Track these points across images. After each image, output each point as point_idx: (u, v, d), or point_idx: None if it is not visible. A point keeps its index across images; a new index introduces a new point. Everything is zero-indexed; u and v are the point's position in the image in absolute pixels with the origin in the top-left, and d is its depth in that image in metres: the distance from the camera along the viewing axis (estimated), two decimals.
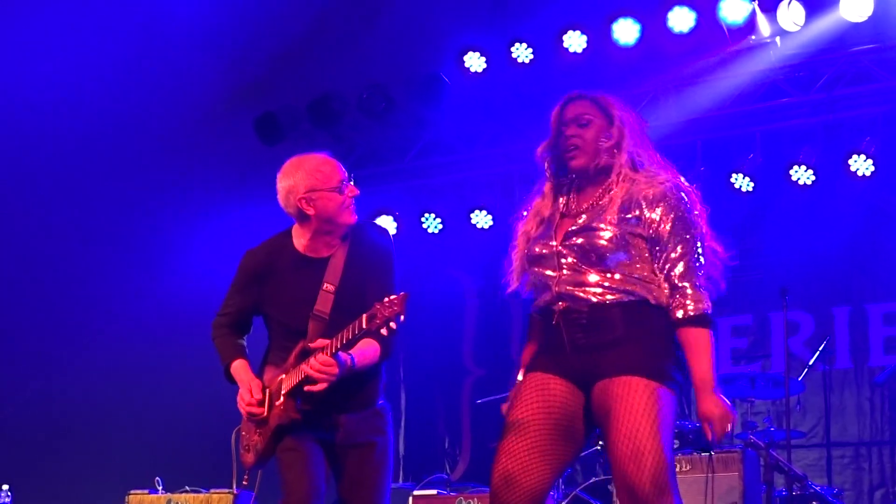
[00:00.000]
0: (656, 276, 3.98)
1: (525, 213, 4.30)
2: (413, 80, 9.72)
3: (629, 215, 3.99)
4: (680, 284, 3.94)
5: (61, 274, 9.46)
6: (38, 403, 9.43)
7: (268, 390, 4.72)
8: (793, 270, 8.98)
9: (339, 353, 4.47)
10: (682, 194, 4.08)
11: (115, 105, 9.19)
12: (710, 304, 3.96)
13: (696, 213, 4.07)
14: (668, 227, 3.98)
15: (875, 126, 8.64)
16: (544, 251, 4.08)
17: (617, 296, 3.93)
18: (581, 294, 3.97)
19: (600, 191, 4.09)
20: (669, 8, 8.54)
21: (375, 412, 4.81)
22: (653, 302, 3.95)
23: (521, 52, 9.13)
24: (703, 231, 4.08)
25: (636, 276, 3.96)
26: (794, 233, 9.19)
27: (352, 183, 4.81)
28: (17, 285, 9.40)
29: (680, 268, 3.95)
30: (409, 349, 10.19)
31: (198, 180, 9.96)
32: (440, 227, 10.07)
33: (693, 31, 8.55)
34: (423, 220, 10.07)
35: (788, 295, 7.45)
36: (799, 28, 8.34)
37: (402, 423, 10.43)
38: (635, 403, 3.82)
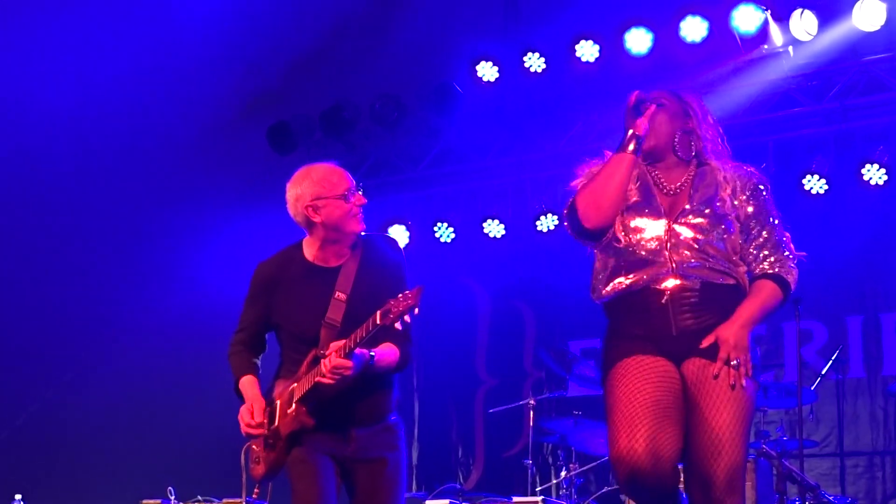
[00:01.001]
0: (742, 262, 4.09)
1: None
2: (425, 89, 9.73)
3: (726, 198, 4.10)
4: (772, 256, 4.10)
5: (73, 284, 9.49)
6: (50, 413, 9.47)
7: (278, 402, 4.74)
8: (806, 280, 8.81)
9: (357, 349, 4.46)
10: (765, 185, 4.23)
11: (129, 114, 9.23)
12: (795, 279, 4.14)
13: (771, 195, 4.23)
14: (756, 212, 4.13)
15: (888, 135, 8.63)
16: (649, 224, 4.08)
17: (724, 278, 4.01)
18: (694, 273, 3.99)
19: (687, 175, 4.18)
20: (682, 17, 8.54)
21: (387, 427, 4.80)
22: (744, 287, 4.07)
23: (534, 62, 9.14)
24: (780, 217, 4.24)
25: (733, 258, 4.06)
26: (806, 242, 9.03)
27: (360, 192, 4.83)
28: (30, 296, 9.44)
29: (770, 246, 4.12)
30: (422, 358, 10.19)
31: (211, 189, 9.99)
32: (452, 236, 10.07)
33: (705, 40, 8.55)
34: (435, 229, 10.07)
35: (802, 304, 7.43)
36: (811, 37, 8.33)
37: (416, 433, 10.42)
38: (723, 396, 3.87)
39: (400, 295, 4.34)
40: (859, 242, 8.94)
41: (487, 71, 9.37)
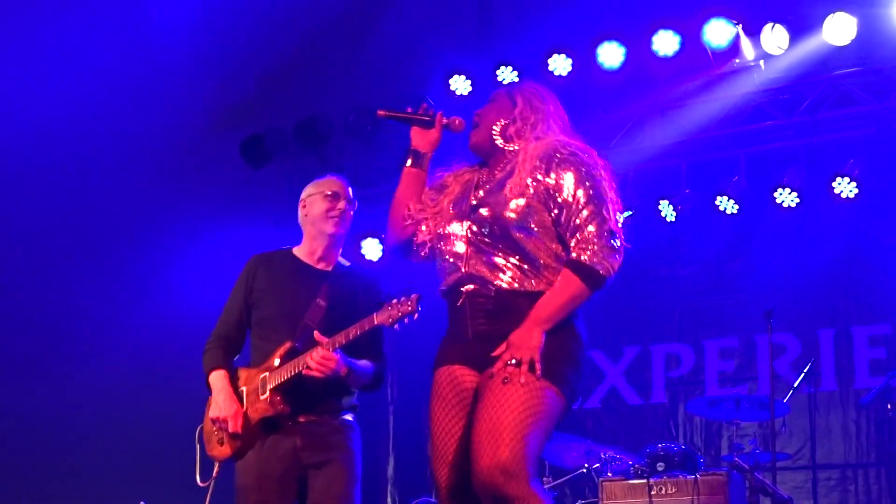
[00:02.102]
0: (560, 264, 3.84)
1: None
2: (399, 102, 9.71)
3: (531, 180, 3.87)
4: (584, 241, 3.78)
5: (44, 296, 9.44)
6: (23, 426, 9.40)
7: (244, 388, 4.96)
8: (778, 293, 9.00)
9: (340, 352, 4.69)
10: (586, 156, 3.93)
11: (101, 128, 9.20)
12: (609, 265, 3.79)
13: (602, 174, 3.91)
14: (573, 188, 3.84)
15: (859, 149, 8.67)
16: (452, 228, 4.01)
17: (525, 284, 3.82)
18: (489, 277, 3.85)
19: (502, 165, 4.04)
20: (654, 32, 8.58)
21: (338, 428, 4.95)
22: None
23: (507, 75, 9.15)
24: (612, 197, 3.90)
25: (541, 262, 3.83)
26: (779, 255, 9.22)
27: (347, 204, 5.09)
28: (9, 308, 9.39)
29: (581, 229, 3.80)
30: (398, 371, 10.17)
31: (184, 203, 9.95)
32: None
33: (677, 54, 8.58)
34: None
35: (774, 317, 7.47)
36: (783, 51, 8.38)
37: (391, 446, 10.39)
38: (509, 395, 3.67)
39: (399, 299, 4.50)
40: (831, 255, 8.99)
41: (461, 84, 9.38)
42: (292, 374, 4.78)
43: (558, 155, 3.89)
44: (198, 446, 5.12)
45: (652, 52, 8.62)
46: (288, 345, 4.87)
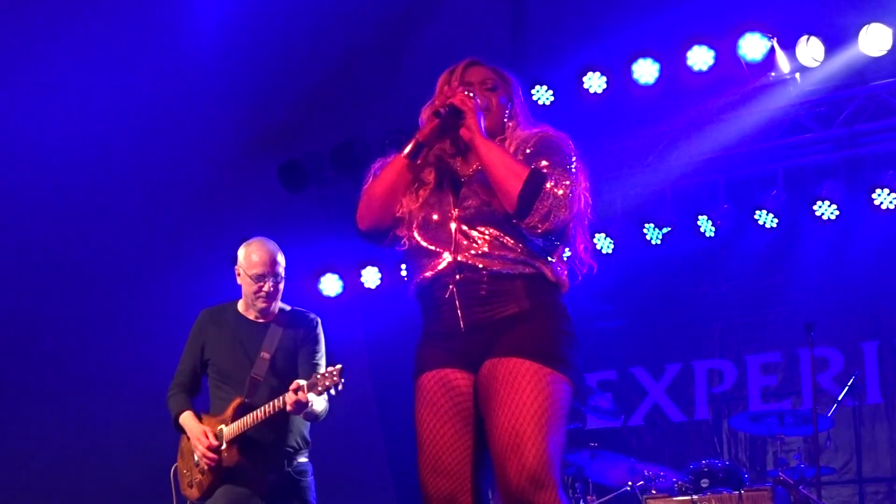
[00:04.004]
0: (553, 247, 3.84)
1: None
2: None
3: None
4: (560, 177, 3.75)
5: (85, 320, 9.49)
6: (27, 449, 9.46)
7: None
8: (820, 306, 8.95)
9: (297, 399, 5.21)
10: (558, 136, 3.93)
11: (136, 152, 9.25)
12: (564, 210, 3.71)
13: (570, 147, 3.90)
14: (535, 151, 3.84)
15: None
16: (435, 217, 3.88)
17: (518, 266, 3.76)
18: (481, 263, 3.76)
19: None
20: (688, 47, 8.57)
21: (290, 476, 5.53)
22: (551, 278, 3.82)
23: (542, 95, 9.16)
24: (579, 173, 3.88)
25: (535, 245, 3.79)
26: (820, 268, 9.17)
27: (274, 282, 5.57)
28: (45, 333, 9.47)
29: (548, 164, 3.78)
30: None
31: (223, 227, 9.98)
32: None
33: (712, 68, 8.56)
34: None
35: (816, 331, 7.43)
36: (818, 64, 8.34)
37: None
38: (521, 389, 3.60)
39: (324, 373, 5.13)
40: (872, 267, 8.94)
41: None
42: (246, 427, 5.37)
43: (536, 136, 3.92)
44: (172, 483, 5.71)
45: (687, 68, 8.60)
46: (239, 400, 5.46)
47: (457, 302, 3.76)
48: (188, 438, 5.60)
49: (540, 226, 3.69)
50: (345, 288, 10.46)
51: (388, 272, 10.30)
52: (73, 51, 8.60)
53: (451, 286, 3.77)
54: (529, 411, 3.57)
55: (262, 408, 5.33)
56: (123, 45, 8.74)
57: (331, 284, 10.41)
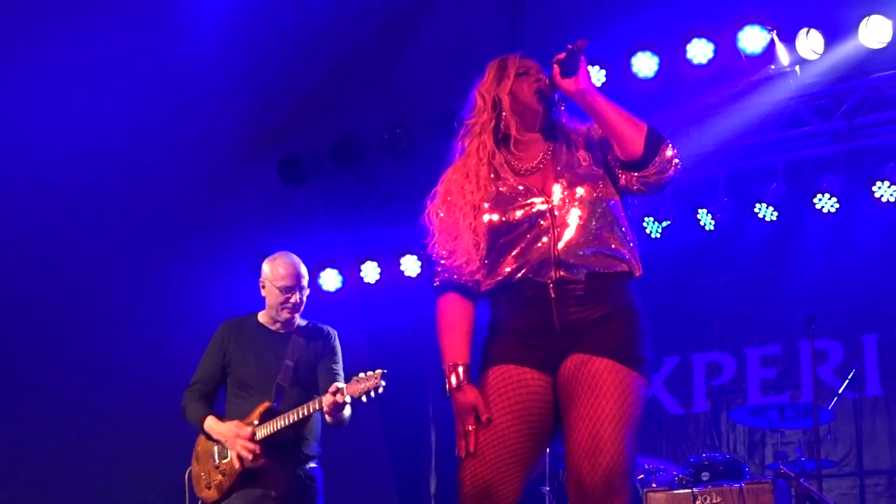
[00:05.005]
0: (629, 233, 3.81)
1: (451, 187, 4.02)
2: (435, 118, 9.75)
3: (592, 156, 3.83)
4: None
5: (87, 313, 9.49)
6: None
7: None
8: (820, 299, 8.95)
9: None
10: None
11: (136, 148, 9.25)
12: (671, 158, 3.76)
13: None
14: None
15: None
16: (520, 214, 3.76)
17: (613, 264, 3.72)
18: (576, 261, 3.68)
19: (545, 146, 3.89)
20: (688, 40, 8.56)
21: (302, 479, 5.65)
22: (634, 269, 3.80)
23: None
24: None
25: (621, 238, 3.77)
26: (819, 261, 9.17)
27: (300, 293, 5.75)
28: (49, 326, 9.47)
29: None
30: (440, 386, 10.16)
31: (223, 223, 10.01)
32: None
33: (712, 62, 8.55)
34: None
35: (816, 323, 7.42)
36: (818, 56, 8.33)
37: (433, 463, 10.38)
38: (603, 392, 3.57)
39: (366, 373, 5.34)
40: (872, 260, 8.93)
41: None
42: (272, 431, 5.51)
43: (586, 128, 3.92)
44: (187, 486, 5.85)
45: (686, 61, 8.59)
46: (266, 404, 5.60)
47: (553, 302, 3.68)
48: (206, 440, 5.74)
49: (654, 177, 3.73)
50: (344, 283, 10.45)
51: (388, 267, 10.30)
52: (73, 48, 8.60)
53: (548, 285, 3.68)
54: (609, 415, 3.56)
55: (296, 410, 5.48)
56: (124, 41, 8.74)
57: (330, 279, 10.40)
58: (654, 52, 8.75)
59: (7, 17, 8.36)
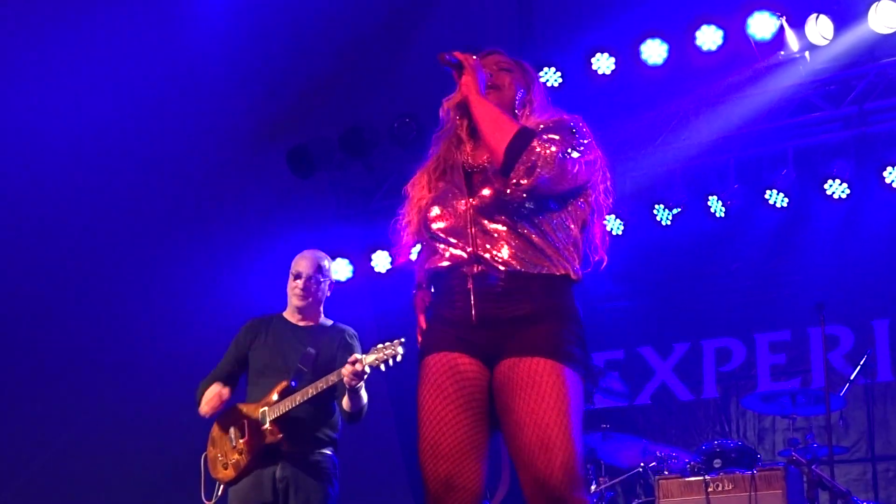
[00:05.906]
0: (569, 236, 3.80)
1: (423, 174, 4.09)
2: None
3: None
4: (552, 141, 3.73)
5: (97, 304, 9.51)
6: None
7: (246, 421, 5.84)
8: (830, 285, 8.93)
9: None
10: (571, 117, 3.90)
11: (146, 140, 9.27)
12: (550, 168, 3.66)
13: (582, 128, 3.87)
14: (547, 127, 3.80)
15: None
16: (449, 206, 3.86)
17: (536, 265, 3.71)
18: (498, 258, 3.72)
19: None
20: (697, 27, 8.54)
21: (316, 462, 5.81)
22: (566, 274, 3.76)
23: (551, 77, 9.14)
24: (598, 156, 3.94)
25: (554, 241, 3.76)
26: (830, 247, 9.15)
27: (304, 282, 6.00)
28: (58, 316, 9.49)
29: (556, 137, 3.76)
30: None
31: (232, 213, 10.03)
32: None
33: (721, 48, 8.54)
34: None
35: (827, 309, 7.40)
36: (828, 42, 8.31)
37: None
38: (543, 389, 3.59)
39: (385, 343, 5.51)
40: (883, 245, 8.91)
41: None
42: (290, 407, 5.71)
43: (554, 118, 3.89)
44: (203, 470, 6.00)
45: (696, 48, 8.58)
46: (284, 383, 5.81)
47: (471, 295, 3.73)
48: (218, 426, 5.98)
49: (524, 180, 3.67)
50: (355, 272, 10.46)
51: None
52: (81, 40, 8.62)
53: (469, 277, 3.74)
54: (554, 410, 3.59)
55: (314, 384, 5.68)
56: (132, 32, 8.76)
57: (341, 269, 10.41)
58: (664, 38, 8.74)
59: (12, 13, 8.36)
